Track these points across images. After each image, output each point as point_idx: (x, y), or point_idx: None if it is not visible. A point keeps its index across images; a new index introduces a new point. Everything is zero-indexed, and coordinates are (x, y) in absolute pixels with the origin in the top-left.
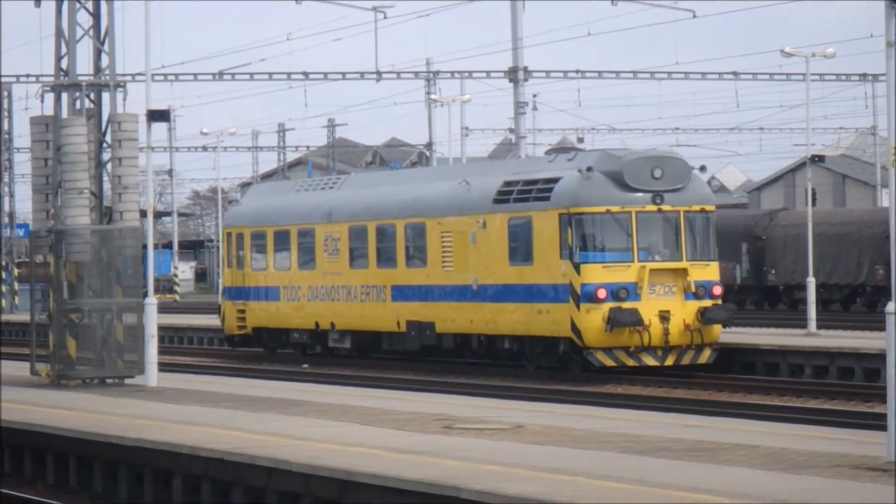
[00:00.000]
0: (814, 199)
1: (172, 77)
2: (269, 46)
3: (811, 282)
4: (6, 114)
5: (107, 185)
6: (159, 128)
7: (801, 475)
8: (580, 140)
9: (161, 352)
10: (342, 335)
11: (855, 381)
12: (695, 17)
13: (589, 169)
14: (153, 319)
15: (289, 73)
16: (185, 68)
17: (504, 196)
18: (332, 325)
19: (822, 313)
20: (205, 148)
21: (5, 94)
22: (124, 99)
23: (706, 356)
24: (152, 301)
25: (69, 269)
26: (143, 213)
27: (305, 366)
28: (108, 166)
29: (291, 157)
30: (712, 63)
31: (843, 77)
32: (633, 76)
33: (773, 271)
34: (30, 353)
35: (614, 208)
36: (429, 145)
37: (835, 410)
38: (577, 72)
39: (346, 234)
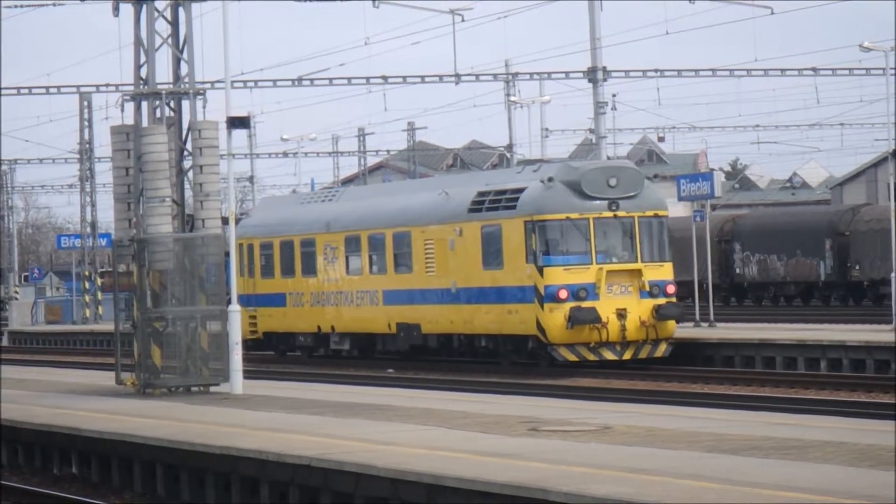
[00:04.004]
0: None
1: (252, 84)
2: (347, 51)
3: None
4: (87, 123)
5: (188, 193)
6: (239, 134)
7: (890, 471)
8: (661, 139)
9: (246, 359)
10: (342, 338)
11: None
12: (773, 13)
13: (550, 179)
14: (237, 327)
15: (368, 78)
16: (264, 74)
17: (477, 206)
18: (333, 328)
19: None
20: (285, 154)
21: (86, 104)
22: (204, 106)
23: (662, 350)
24: (236, 308)
25: (153, 277)
26: (225, 221)
27: (391, 370)
28: (190, 174)
29: (372, 161)
30: (791, 59)
31: None
32: (712, 74)
33: (858, 267)
34: (115, 363)
35: (574, 215)
36: (509, 147)
37: None
38: (656, 71)
39: (343, 243)
